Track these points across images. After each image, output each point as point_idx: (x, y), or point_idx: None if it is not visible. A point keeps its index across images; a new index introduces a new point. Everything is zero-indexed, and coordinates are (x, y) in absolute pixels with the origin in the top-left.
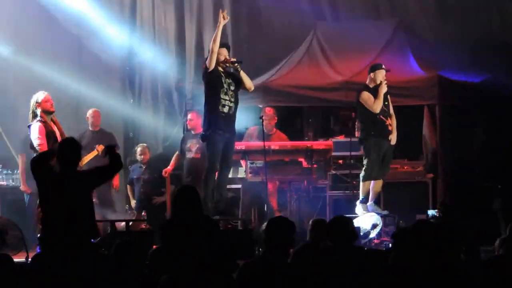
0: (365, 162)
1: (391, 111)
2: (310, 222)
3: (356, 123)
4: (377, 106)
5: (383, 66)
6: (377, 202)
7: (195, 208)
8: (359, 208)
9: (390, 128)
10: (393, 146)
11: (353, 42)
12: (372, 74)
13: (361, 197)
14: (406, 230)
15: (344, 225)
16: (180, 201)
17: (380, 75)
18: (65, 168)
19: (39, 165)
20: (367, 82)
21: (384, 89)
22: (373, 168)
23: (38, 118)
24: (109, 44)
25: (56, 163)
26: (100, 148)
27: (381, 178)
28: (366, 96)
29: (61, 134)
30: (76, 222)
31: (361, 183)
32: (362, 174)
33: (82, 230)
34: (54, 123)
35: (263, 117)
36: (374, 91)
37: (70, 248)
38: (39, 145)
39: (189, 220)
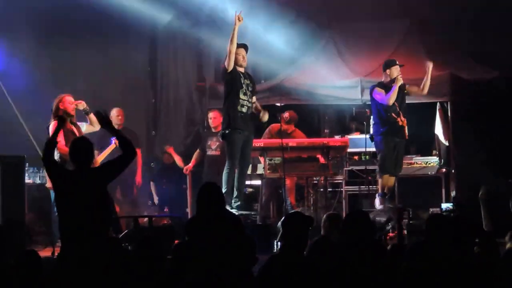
0: (378, 157)
1: (403, 109)
2: (324, 216)
3: (371, 120)
4: (390, 99)
5: (397, 62)
6: (392, 196)
7: (218, 204)
8: (376, 200)
9: (400, 123)
10: (404, 143)
11: (367, 41)
12: (388, 71)
13: (379, 191)
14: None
15: (361, 220)
16: (203, 198)
17: (396, 71)
18: (78, 167)
19: (48, 158)
20: (382, 79)
21: (400, 81)
22: (385, 162)
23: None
24: (133, 44)
25: (69, 163)
26: (117, 141)
27: (395, 174)
28: (378, 90)
29: (79, 132)
30: (92, 219)
31: (378, 178)
32: (377, 169)
33: (100, 227)
34: (74, 124)
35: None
36: (389, 87)
37: (90, 245)
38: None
39: (213, 216)
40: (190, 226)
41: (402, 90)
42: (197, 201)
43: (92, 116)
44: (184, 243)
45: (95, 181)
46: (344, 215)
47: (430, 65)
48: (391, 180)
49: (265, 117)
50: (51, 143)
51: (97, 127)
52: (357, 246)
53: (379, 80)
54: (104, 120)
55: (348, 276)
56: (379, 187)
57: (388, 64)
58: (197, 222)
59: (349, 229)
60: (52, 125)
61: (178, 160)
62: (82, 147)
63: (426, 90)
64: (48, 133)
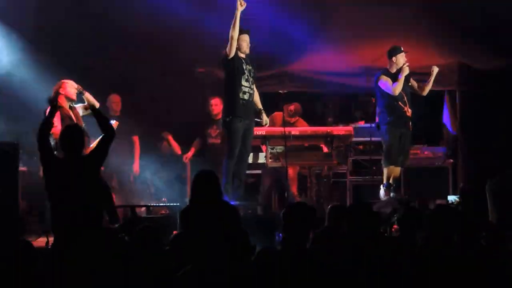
0: (384, 147)
1: (409, 99)
2: (328, 207)
3: (376, 108)
4: (396, 89)
5: (402, 49)
6: (397, 187)
7: (213, 192)
8: (381, 191)
9: (408, 114)
10: (410, 134)
11: (374, 28)
12: (393, 59)
13: (384, 181)
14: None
15: (364, 211)
16: (198, 185)
17: (401, 58)
18: (68, 155)
19: (42, 144)
20: (388, 67)
21: (406, 71)
22: (391, 153)
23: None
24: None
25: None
26: (115, 124)
27: (401, 165)
28: (384, 79)
29: (78, 120)
30: (84, 208)
31: (383, 168)
32: (382, 159)
33: (92, 216)
34: (72, 110)
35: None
36: (395, 76)
37: (83, 235)
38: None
39: (208, 204)
40: (185, 215)
41: (408, 79)
42: (192, 189)
43: (87, 95)
44: (182, 233)
45: (85, 169)
46: (348, 205)
47: (435, 70)
48: (396, 171)
49: (266, 121)
50: (42, 128)
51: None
52: (361, 238)
53: (385, 67)
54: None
55: (351, 268)
56: (384, 177)
57: (393, 52)
58: (192, 211)
59: (352, 221)
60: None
61: (176, 147)
62: (71, 135)
63: (425, 93)
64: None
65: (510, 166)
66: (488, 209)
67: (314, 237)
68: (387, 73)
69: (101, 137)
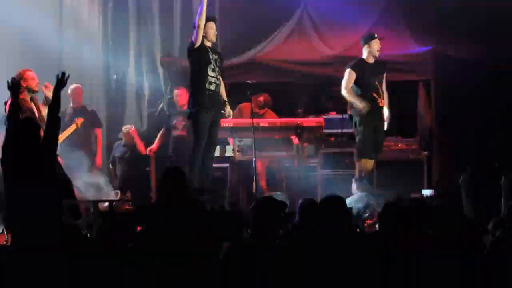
0: (357, 139)
1: (384, 87)
2: (299, 202)
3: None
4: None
5: (376, 35)
6: (370, 181)
7: (181, 191)
8: (354, 186)
9: (381, 104)
10: (384, 125)
11: (345, 16)
12: (367, 46)
13: (356, 175)
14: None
15: (336, 205)
16: (165, 184)
17: (376, 45)
18: (25, 148)
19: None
20: (363, 56)
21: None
22: (366, 145)
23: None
24: (91, 18)
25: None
26: (79, 121)
27: (374, 158)
28: (347, 75)
29: (40, 114)
30: (42, 201)
31: (356, 162)
32: (355, 152)
33: (52, 210)
34: (34, 102)
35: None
36: (371, 67)
37: (41, 231)
38: None
39: (175, 202)
40: (150, 213)
41: (382, 69)
42: (159, 188)
43: (46, 91)
44: (147, 229)
45: (40, 162)
46: (319, 200)
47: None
48: (369, 163)
49: (229, 113)
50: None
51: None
52: (333, 233)
53: (357, 57)
54: (61, 82)
55: (322, 265)
56: (356, 171)
57: (368, 38)
58: (158, 210)
59: (324, 216)
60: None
61: (139, 144)
62: (27, 128)
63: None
64: (5, 110)
65: (483, 158)
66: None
67: (284, 233)
68: (361, 62)
69: (46, 124)
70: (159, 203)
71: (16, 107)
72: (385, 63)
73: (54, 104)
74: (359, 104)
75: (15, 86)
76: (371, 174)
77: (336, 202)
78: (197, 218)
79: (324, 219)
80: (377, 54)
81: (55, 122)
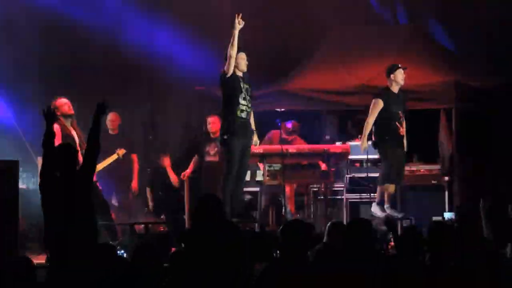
0: (382, 165)
1: (404, 119)
2: (329, 223)
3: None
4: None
5: (400, 65)
6: (393, 205)
7: (217, 217)
8: (375, 209)
9: (402, 133)
10: (405, 153)
11: (370, 46)
12: (392, 76)
13: (378, 199)
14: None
15: (364, 228)
16: (202, 211)
17: (400, 75)
18: (62, 173)
19: (46, 150)
20: (389, 85)
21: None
22: (391, 171)
23: (56, 121)
24: (131, 48)
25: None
26: (121, 152)
27: (397, 183)
28: (373, 105)
29: (80, 138)
30: (78, 225)
31: (378, 186)
32: (379, 177)
33: (87, 233)
34: (74, 128)
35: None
36: (397, 96)
37: (77, 252)
38: None
39: (212, 228)
40: (186, 237)
41: (405, 98)
42: (194, 214)
43: None
44: (181, 251)
45: (78, 185)
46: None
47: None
48: (392, 188)
49: (256, 142)
50: (44, 139)
51: None
52: (358, 254)
53: (381, 86)
54: (101, 109)
55: (349, 285)
56: (377, 195)
57: (392, 69)
58: (194, 233)
59: (351, 237)
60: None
61: (172, 175)
62: (65, 152)
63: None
64: None
65: (506, 185)
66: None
67: (313, 254)
68: (387, 92)
69: (86, 149)
70: (193, 228)
71: (48, 136)
72: (407, 92)
73: (95, 130)
74: (362, 144)
75: (50, 115)
76: (394, 198)
77: (363, 224)
78: (232, 239)
79: (350, 240)
80: (402, 83)
81: (95, 147)
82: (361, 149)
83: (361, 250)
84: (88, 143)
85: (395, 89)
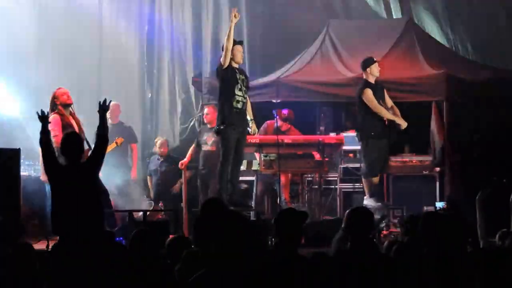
0: (364, 159)
1: (389, 103)
2: (347, 212)
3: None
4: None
5: (375, 59)
6: (381, 195)
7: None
8: (368, 202)
9: (387, 123)
10: (388, 144)
11: (364, 40)
12: (368, 70)
13: (369, 193)
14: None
15: (366, 216)
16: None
17: (375, 68)
18: (69, 162)
19: (44, 149)
20: (366, 78)
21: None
22: (374, 166)
23: (56, 111)
24: (128, 40)
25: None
26: (119, 140)
27: (381, 174)
28: (370, 95)
29: (79, 127)
30: (85, 212)
31: (363, 179)
32: (363, 171)
33: (94, 220)
34: (72, 116)
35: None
36: (374, 87)
37: (84, 238)
38: (54, 136)
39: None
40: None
41: (381, 87)
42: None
43: None
44: (178, 237)
45: (85, 175)
46: (338, 212)
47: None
48: (376, 179)
49: (254, 131)
50: (41, 138)
51: None
52: (357, 243)
53: (365, 78)
54: (104, 107)
55: (346, 273)
56: (366, 189)
57: (367, 63)
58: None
59: (352, 225)
60: (53, 120)
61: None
62: (70, 142)
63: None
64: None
65: (495, 175)
66: (474, 217)
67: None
68: (368, 83)
69: (95, 144)
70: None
71: (44, 135)
72: (381, 81)
73: (101, 126)
74: (401, 121)
75: (45, 118)
76: (379, 187)
77: (365, 213)
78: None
79: (350, 228)
80: (377, 75)
81: (103, 142)
82: (403, 126)
83: (358, 239)
84: (98, 137)
85: (372, 80)
